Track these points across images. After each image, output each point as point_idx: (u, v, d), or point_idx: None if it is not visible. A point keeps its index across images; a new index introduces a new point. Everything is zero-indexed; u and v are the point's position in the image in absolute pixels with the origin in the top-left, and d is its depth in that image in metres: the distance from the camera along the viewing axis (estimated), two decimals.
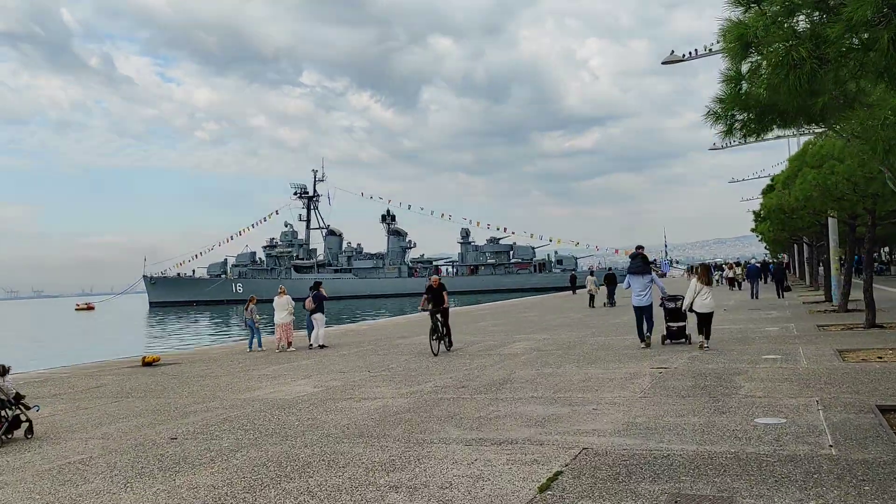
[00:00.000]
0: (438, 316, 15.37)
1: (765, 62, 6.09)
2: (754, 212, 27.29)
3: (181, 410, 9.72)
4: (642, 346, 14.24)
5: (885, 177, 11.23)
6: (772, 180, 27.37)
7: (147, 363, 16.01)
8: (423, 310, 16.24)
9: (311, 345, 18.12)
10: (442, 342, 15.34)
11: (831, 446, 5.94)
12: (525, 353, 14.45)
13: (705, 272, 14.08)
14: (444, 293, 15.74)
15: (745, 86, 7.41)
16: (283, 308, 17.90)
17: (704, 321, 13.49)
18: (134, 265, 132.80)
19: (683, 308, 14.07)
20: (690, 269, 58.32)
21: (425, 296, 15.82)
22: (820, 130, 10.88)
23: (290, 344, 17.86)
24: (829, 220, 21.66)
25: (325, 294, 18.41)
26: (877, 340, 13.21)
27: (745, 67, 7.20)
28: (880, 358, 10.97)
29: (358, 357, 15.45)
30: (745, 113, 7.30)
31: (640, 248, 15.65)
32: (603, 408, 8.18)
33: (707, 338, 13.47)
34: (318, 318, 18.14)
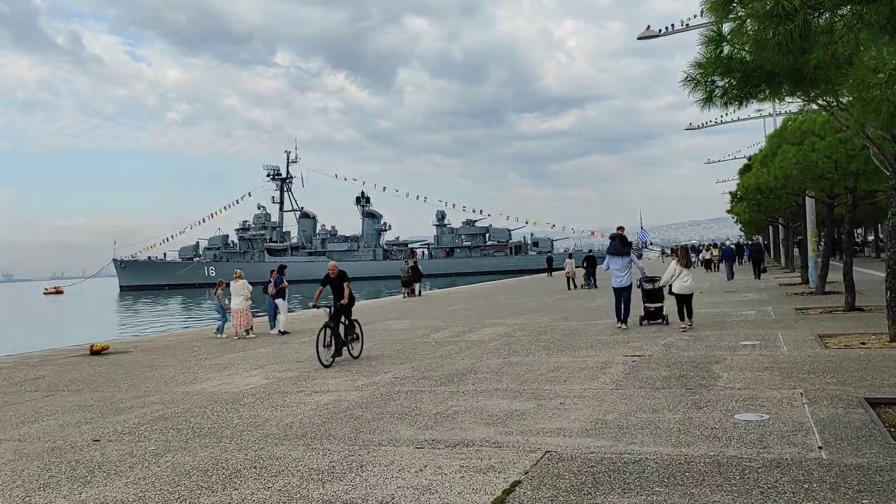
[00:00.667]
0: (340, 317, 12.00)
1: (750, 18, 5.41)
2: (731, 192, 26.79)
3: (115, 407, 8.92)
4: (620, 326, 14.27)
5: (871, 153, 10.65)
6: (749, 160, 26.88)
7: (95, 352, 15.12)
8: (315, 306, 12.96)
9: (273, 331, 17.35)
10: (346, 348, 11.94)
11: (821, 448, 5.32)
12: (494, 339, 13.79)
13: (684, 254, 14.11)
14: (346, 283, 12.14)
15: (726, 48, 6.75)
16: (238, 293, 17.05)
17: (685, 302, 13.58)
18: (106, 248, 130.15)
19: (660, 286, 14.25)
20: (671, 251, 58.81)
21: (320, 288, 12.51)
22: (803, 101, 10.24)
23: (249, 330, 17.06)
24: (807, 199, 21.21)
25: (284, 280, 17.55)
26: (857, 324, 12.71)
27: (727, 27, 6.53)
28: (863, 344, 10.43)
29: None
30: (727, 78, 6.64)
31: (619, 228, 15.49)
32: (571, 402, 7.52)
33: (689, 317, 13.61)
34: (281, 303, 17.34)
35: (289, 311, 19.84)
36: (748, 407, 6.78)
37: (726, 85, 6.63)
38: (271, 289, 17.46)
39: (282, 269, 17.82)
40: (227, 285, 17.42)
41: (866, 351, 9.74)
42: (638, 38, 24.98)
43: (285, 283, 17.55)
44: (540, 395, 7.96)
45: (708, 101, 6.79)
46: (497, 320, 17.86)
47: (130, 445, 6.76)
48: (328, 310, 11.98)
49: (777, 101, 9.79)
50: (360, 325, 12.54)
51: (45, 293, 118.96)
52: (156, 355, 14.52)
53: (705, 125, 43.67)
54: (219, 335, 17.40)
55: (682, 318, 13.67)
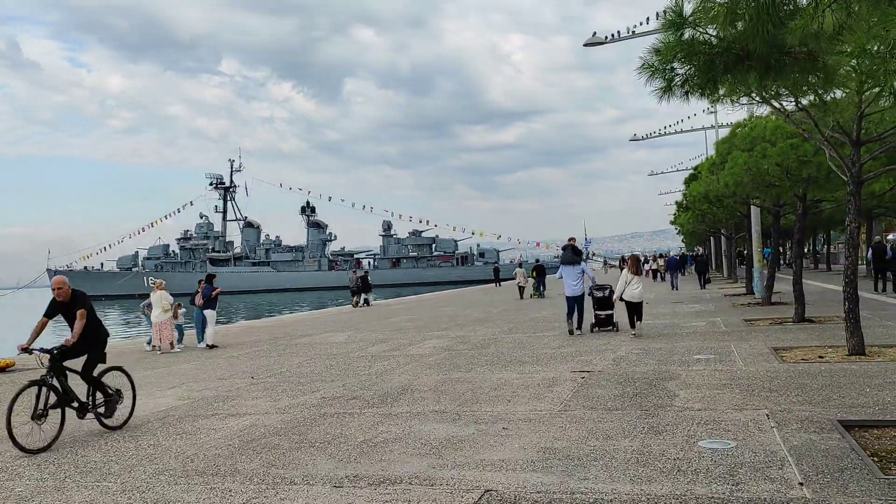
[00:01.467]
0: (63, 368, 7.34)
1: None
2: (677, 202, 26.61)
3: None
4: (575, 332, 14.60)
5: (826, 157, 10.18)
6: (695, 169, 26.71)
7: None
8: (26, 350, 7.20)
9: (201, 345, 16.18)
10: (96, 415, 7.60)
11: (802, 484, 4.61)
12: (434, 353, 12.94)
13: (635, 263, 14.47)
14: (82, 311, 7.44)
15: (688, 32, 6.08)
16: (157, 305, 15.85)
17: (635, 310, 13.91)
18: (44, 258, 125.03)
19: (615, 298, 14.46)
20: (620, 260, 59.86)
21: (43, 319, 7.59)
22: (758, 102, 9.71)
23: (172, 345, 15.85)
24: (752, 209, 20.99)
25: (215, 289, 16.39)
26: (811, 336, 12.26)
27: (688, 7, 5.86)
28: (821, 357, 9.91)
29: (247, 359, 13.63)
30: (688, 65, 5.98)
31: (571, 239, 15.83)
32: (515, 426, 6.71)
33: (639, 319, 13.93)
34: (210, 315, 16.17)
35: (223, 323, 18.69)
36: (711, 432, 6.07)
37: (687, 73, 5.96)
38: (199, 299, 16.28)
39: (210, 278, 16.64)
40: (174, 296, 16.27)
41: (826, 365, 9.20)
42: (584, 45, 24.60)
43: (218, 290, 16.39)
44: (480, 419, 7.13)
45: (667, 90, 6.11)
46: (440, 332, 17.01)
47: None
48: (44, 355, 7.23)
49: (733, 98, 9.24)
50: (127, 376, 8.20)
51: None
52: None
53: (649, 136, 43.85)
54: (147, 347, 16.16)
55: (632, 325, 13.94)
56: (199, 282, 16.86)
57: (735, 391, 7.80)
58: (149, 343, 16.26)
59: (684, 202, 25.91)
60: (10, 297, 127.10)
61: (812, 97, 8.55)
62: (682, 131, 42.01)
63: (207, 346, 15.98)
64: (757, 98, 9.61)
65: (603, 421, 6.72)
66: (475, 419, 7.13)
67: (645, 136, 44.38)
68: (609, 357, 11.08)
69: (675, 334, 13.74)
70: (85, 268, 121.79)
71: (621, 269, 19.28)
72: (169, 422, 7.92)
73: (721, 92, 6.61)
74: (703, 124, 42.06)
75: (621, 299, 14.06)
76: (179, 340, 16.39)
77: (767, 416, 6.55)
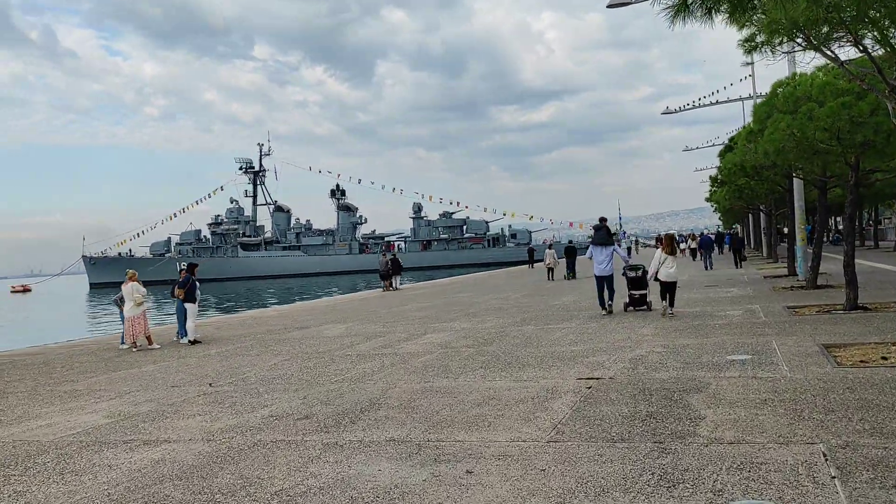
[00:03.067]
0: None
1: None
2: (711, 177, 24.50)
3: None
4: (603, 313, 14.63)
5: (891, 113, 8.28)
6: (731, 141, 24.53)
7: None
8: None
9: (183, 340, 14.81)
10: None
11: None
12: (429, 351, 11.33)
13: (669, 242, 14.22)
14: None
15: None
16: (129, 298, 14.49)
17: (668, 289, 13.74)
18: (90, 245, 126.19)
19: (649, 277, 14.39)
20: (656, 240, 58.76)
21: None
22: (804, 48, 7.87)
23: (150, 340, 14.50)
24: (795, 182, 18.94)
25: (188, 281, 14.92)
26: (868, 329, 10.38)
27: None
28: (884, 359, 8.08)
29: (221, 359, 12.17)
30: None
31: (602, 219, 15.57)
32: (484, 468, 5.08)
33: (671, 305, 13.73)
34: (190, 307, 14.77)
35: (229, 312, 17.32)
36: (747, 484, 4.37)
37: None
38: (177, 291, 14.89)
39: (192, 267, 15.22)
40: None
41: (893, 371, 7.39)
42: (608, 7, 22.58)
43: (189, 281, 14.93)
44: (444, 454, 5.51)
45: (682, 8, 4.38)
46: (446, 324, 15.40)
47: None
48: None
49: (773, 42, 7.43)
50: None
51: (11, 291, 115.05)
52: (16, 373, 11.92)
53: (682, 109, 41.52)
54: (122, 346, 14.84)
55: (668, 304, 13.76)
56: (181, 270, 15.48)
57: (779, 411, 6.06)
58: (123, 341, 14.91)
59: (719, 177, 23.81)
60: (48, 283, 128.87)
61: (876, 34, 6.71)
62: (716, 102, 39.67)
63: (189, 341, 14.61)
64: (801, 42, 7.78)
65: (600, 460, 5.05)
66: (437, 454, 5.51)
67: (678, 109, 42.07)
68: (625, 357, 9.36)
69: (705, 326, 11.94)
70: (119, 254, 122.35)
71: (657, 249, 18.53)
72: (69, 452, 6.43)
73: (757, 16, 4.86)
74: (739, 94, 39.63)
75: (656, 279, 13.95)
76: (184, 334, 14.98)
77: (824, 455, 4.83)
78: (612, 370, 8.52)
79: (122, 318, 15.01)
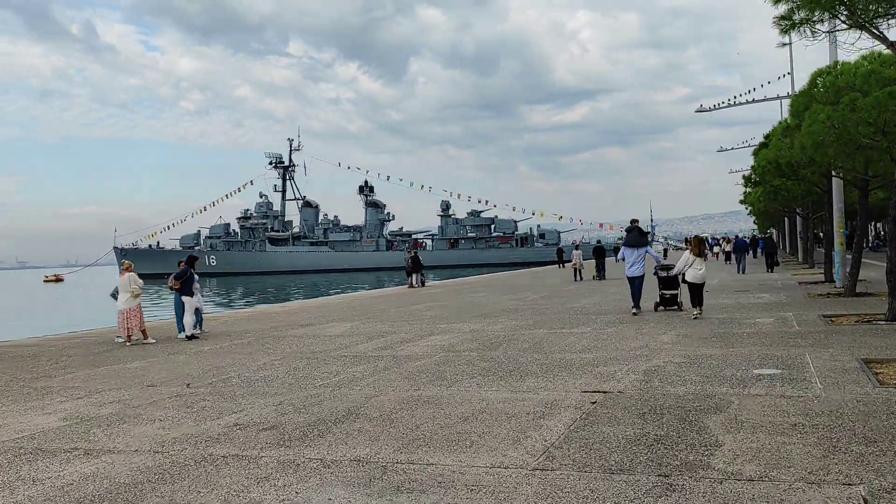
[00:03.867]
0: None
1: None
2: (744, 177, 23.28)
3: None
4: (633, 312, 14.62)
5: None
6: (765, 138, 23.32)
7: None
8: None
9: (181, 335, 14.18)
10: None
11: None
12: (428, 355, 10.53)
13: (697, 244, 14.11)
14: None
15: None
16: (125, 289, 13.90)
17: (696, 291, 13.64)
18: (123, 237, 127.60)
19: (674, 274, 14.48)
20: (685, 241, 58.24)
21: None
22: (860, 26, 6.92)
23: (145, 334, 13.89)
24: (834, 181, 17.77)
25: (185, 273, 14.28)
26: None
27: None
28: None
29: (211, 356, 11.50)
30: None
31: (634, 221, 15.71)
32: (451, 500, 4.26)
33: (699, 306, 13.65)
34: (188, 301, 14.14)
35: (242, 306, 16.70)
36: None
37: None
38: (172, 281, 14.27)
39: (191, 260, 14.58)
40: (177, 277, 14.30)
41: None
42: None
43: (187, 274, 14.27)
44: (408, 481, 4.69)
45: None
46: (455, 325, 14.59)
47: None
48: None
49: (811, 20, 6.50)
50: None
51: (45, 280, 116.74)
52: (0, 366, 11.36)
53: (716, 107, 40.19)
54: (119, 339, 14.25)
55: (693, 306, 13.71)
56: (179, 263, 14.86)
57: (810, 439, 5.16)
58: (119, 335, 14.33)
59: (753, 176, 22.59)
60: (80, 274, 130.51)
61: None
62: (752, 101, 38.28)
63: (186, 336, 13.98)
64: (844, 18, 6.83)
65: (590, 498, 4.20)
66: (402, 481, 4.70)
67: (712, 108, 40.77)
68: (640, 368, 8.46)
69: (732, 334, 10.97)
70: (149, 246, 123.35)
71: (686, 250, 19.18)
72: (4, 460, 5.74)
73: None
74: (777, 93, 38.17)
75: (684, 280, 13.96)
76: (195, 325, 14.38)
77: (865, 500, 3.93)
78: (623, 382, 7.63)
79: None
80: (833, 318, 12.53)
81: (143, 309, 14.26)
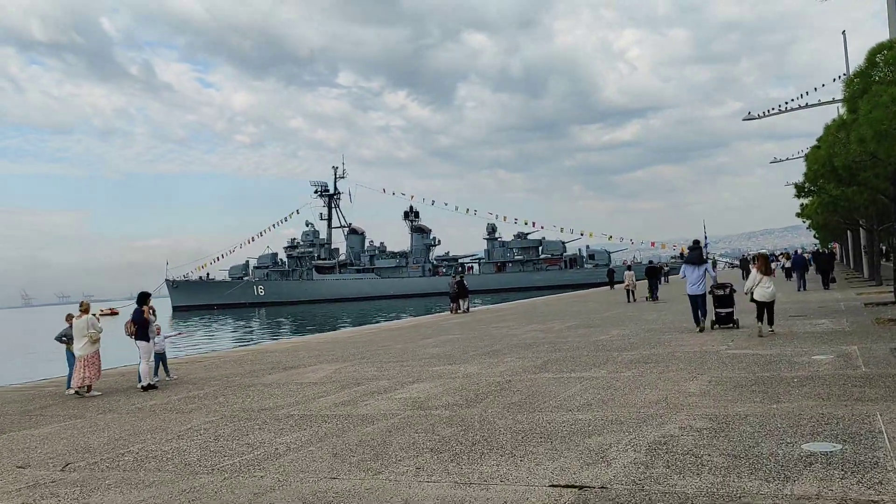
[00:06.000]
0: None
1: None
2: (796, 185, 20.71)
3: None
4: (697, 329, 15.06)
5: None
6: (818, 141, 20.71)
7: None
8: None
9: (143, 385, 12.39)
10: None
11: None
12: (390, 414, 8.45)
13: (763, 262, 13.96)
14: None
15: None
16: (80, 334, 12.22)
17: (766, 308, 13.56)
18: (180, 268, 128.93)
19: (745, 293, 14.04)
20: (751, 259, 56.40)
21: None
22: None
23: (90, 387, 12.15)
24: None
25: (149, 314, 12.51)
26: None
27: None
28: None
29: (143, 416, 9.63)
30: None
31: (696, 241, 16.44)
32: None
33: (771, 324, 13.60)
34: (142, 346, 12.36)
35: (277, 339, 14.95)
36: None
37: None
38: (129, 326, 12.54)
39: (143, 298, 12.79)
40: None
41: None
42: None
43: (148, 317, 12.51)
44: None
45: None
46: (450, 367, 12.46)
47: None
48: None
49: None
50: None
51: (100, 314, 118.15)
52: None
53: (765, 114, 37.35)
54: (69, 391, 12.56)
55: (764, 323, 13.53)
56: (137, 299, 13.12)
57: None
58: (69, 386, 12.61)
59: (806, 185, 19.97)
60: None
61: None
62: (805, 106, 35.37)
63: (142, 387, 12.19)
64: None
65: None
66: None
67: (761, 115, 37.97)
68: (646, 438, 6.23)
69: (778, 380, 8.62)
70: (200, 277, 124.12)
71: (741, 269, 20.22)
72: None
73: None
74: (832, 97, 35.20)
75: (752, 299, 13.68)
76: (156, 373, 12.81)
77: None
78: (614, 467, 5.44)
79: (69, 357, 12.77)
80: None
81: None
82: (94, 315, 12.83)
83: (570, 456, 5.87)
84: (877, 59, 9.09)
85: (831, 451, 5.43)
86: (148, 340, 12.39)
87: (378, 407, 8.97)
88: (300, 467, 6.21)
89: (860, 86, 9.18)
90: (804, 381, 8.44)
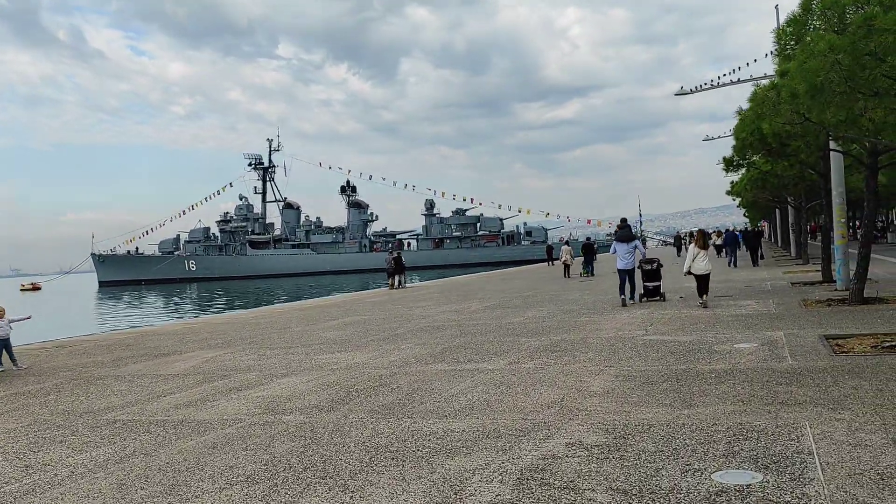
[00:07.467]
0: None
1: None
2: (724, 158, 19.81)
3: None
4: (627, 302, 15.37)
5: None
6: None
7: None
8: None
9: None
10: None
11: None
12: (230, 422, 6.91)
13: (701, 237, 14.70)
14: None
15: None
16: None
17: (703, 282, 14.19)
18: (111, 242, 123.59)
19: (683, 272, 14.71)
20: (676, 238, 58.50)
21: None
22: None
23: None
24: (832, 157, 14.24)
25: None
26: None
27: None
28: None
29: None
30: None
31: (623, 220, 17.03)
32: None
33: (706, 294, 14.18)
34: None
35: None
36: None
37: None
38: None
39: None
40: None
41: None
42: None
43: None
44: None
45: None
46: (338, 355, 10.97)
47: None
48: None
49: None
50: None
51: (21, 289, 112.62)
52: None
53: (698, 88, 36.68)
54: None
55: (700, 296, 14.21)
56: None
57: None
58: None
59: (734, 157, 19.00)
60: (57, 281, 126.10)
61: None
62: (738, 81, 34.79)
63: None
64: None
65: None
66: None
67: (693, 90, 37.30)
68: (522, 460, 4.86)
69: (694, 375, 7.40)
70: (128, 252, 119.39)
71: (675, 247, 20.22)
72: None
73: None
74: (764, 72, 34.79)
75: (689, 273, 14.34)
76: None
77: None
78: (482, 498, 4.04)
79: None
80: (838, 340, 9.00)
81: None
82: None
83: (417, 490, 4.46)
84: (812, 4, 7.87)
85: (749, 485, 4.14)
86: None
87: (225, 409, 7.43)
88: None
89: (793, 36, 7.99)
90: (723, 377, 7.24)
